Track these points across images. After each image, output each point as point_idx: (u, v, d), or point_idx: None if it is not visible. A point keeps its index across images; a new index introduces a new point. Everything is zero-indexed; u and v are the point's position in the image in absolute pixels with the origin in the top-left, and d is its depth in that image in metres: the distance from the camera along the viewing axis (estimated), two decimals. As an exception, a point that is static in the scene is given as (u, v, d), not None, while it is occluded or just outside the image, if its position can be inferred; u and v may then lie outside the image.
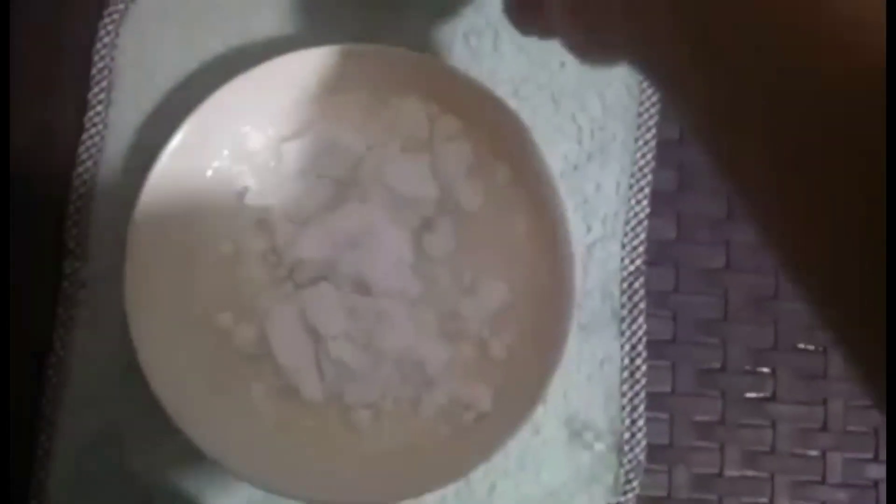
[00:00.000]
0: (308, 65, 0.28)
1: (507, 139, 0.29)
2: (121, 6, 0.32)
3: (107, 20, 0.32)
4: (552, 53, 0.31)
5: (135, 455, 0.29)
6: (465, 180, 0.29)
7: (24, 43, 0.31)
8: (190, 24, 0.32)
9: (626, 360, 0.30)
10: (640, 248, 0.31)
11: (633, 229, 0.31)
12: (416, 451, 0.28)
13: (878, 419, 0.30)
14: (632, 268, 0.30)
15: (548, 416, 0.30)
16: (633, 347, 0.30)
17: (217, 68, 0.31)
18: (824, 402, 0.30)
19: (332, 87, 0.29)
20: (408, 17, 0.32)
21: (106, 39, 0.32)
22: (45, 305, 0.30)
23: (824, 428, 0.30)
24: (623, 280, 0.30)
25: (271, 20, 0.32)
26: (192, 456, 0.28)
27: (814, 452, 0.30)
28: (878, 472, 0.30)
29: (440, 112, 0.29)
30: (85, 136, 0.31)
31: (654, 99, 0.31)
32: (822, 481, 0.30)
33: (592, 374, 0.30)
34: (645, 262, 0.30)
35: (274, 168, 0.30)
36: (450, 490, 0.29)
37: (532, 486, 0.30)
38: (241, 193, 0.30)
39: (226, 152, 0.30)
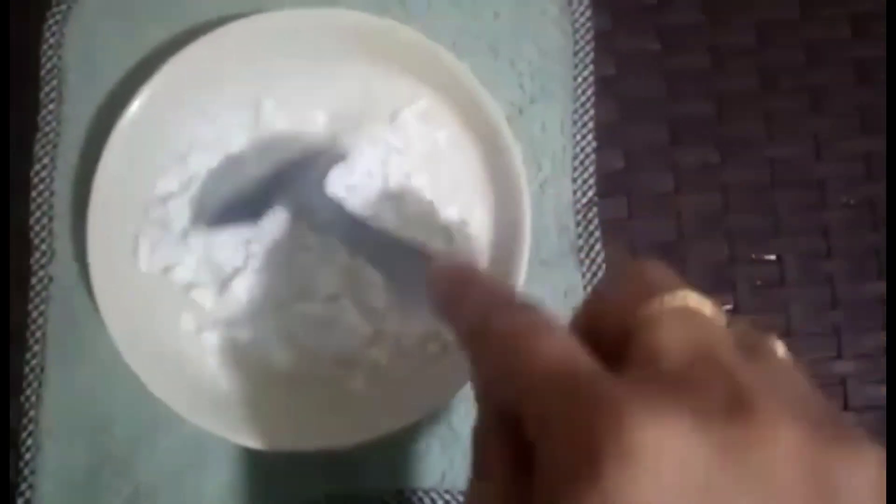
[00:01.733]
0: (250, 32, 0.29)
1: (453, 89, 0.30)
2: (63, 6, 0.33)
3: (51, 21, 0.33)
4: (485, 5, 0.33)
5: (123, 442, 0.30)
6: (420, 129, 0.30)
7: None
8: (132, 16, 0.33)
9: (589, 289, 0.31)
10: (591, 181, 0.32)
11: (581, 163, 0.32)
12: (391, 385, 0.28)
13: (836, 319, 0.31)
14: (584, 200, 0.31)
15: (520, 352, 0.30)
16: (594, 275, 0.31)
17: (161, 57, 0.32)
18: (784, 307, 0.31)
19: (277, 54, 0.30)
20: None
21: (52, 40, 0.32)
22: (16, 302, 0.31)
23: (787, 333, 0.31)
24: (577, 213, 0.31)
25: (211, 5, 0.32)
26: (176, 428, 0.29)
27: (780, 357, 0.31)
28: (843, 368, 0.31)
29: (386, 70, 0.30)
30: (39, 134, 0.32)
31: (589, 37, 0.32)
32: (792, 384, 0.31)
33: (557, 307, 0.31)
34: (596, 194, 0.31)
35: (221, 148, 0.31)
36: (435, 437, 0.30)
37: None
38: (196, 172, 0.30)
39: (175, 130, 0.30)
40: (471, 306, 0.17)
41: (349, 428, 0.27)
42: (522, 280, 0.28)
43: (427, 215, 0.29)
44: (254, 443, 0.27)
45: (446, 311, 0.18)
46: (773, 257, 0.32)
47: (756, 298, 0.31)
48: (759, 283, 0.32)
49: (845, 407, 0.31)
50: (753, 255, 0.32)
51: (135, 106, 0.29)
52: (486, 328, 0.16)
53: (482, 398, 0.16)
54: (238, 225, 0.28)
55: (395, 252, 0.26)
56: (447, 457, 0.30)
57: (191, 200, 0.30)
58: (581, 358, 0.14)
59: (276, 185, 0.27)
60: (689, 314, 0.14)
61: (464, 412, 0.30)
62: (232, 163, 0.30)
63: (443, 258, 0.21)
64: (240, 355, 0.29)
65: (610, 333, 0.15)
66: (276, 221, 0.29)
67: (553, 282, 0.31)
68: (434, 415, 0.29)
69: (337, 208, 0.27)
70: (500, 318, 0.15)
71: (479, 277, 0.18)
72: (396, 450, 0.29)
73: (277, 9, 0.30)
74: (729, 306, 0.31)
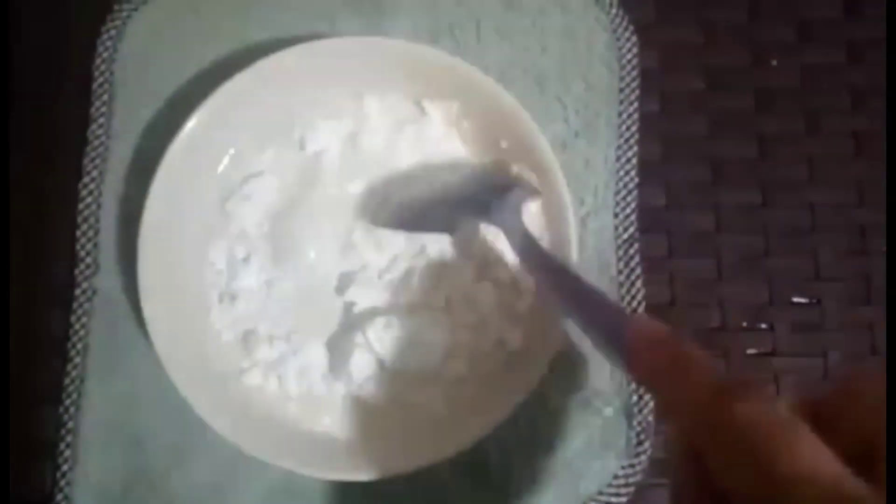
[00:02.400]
0: (302, 60, 0.30)
1: (503, 122, 0.30)
2: (118, 22, 0.33)
3: (104, 36, 0.33)
4: (533, 39, 0.33)
5: (160, 457, 0.30)
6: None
7: (26, 60, 0.33)
8: (185, 34, 0.33)
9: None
10: (633, 217, 0.32)
11: (623, 199, 0.32)
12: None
13: (876, 366, 0.31)
14: (625, 235, 0.32)
15: (556, 386, 0.30)
16: (634, 311, 0.31)
17: (213, 75, 0.32)
18: (823, 353, 0.31)
19: (327, 80, 0.30)
20: (395, 16, 0.33)
21: (105, 54, 0.33)
22: (60, 314, 0.31)
23: (825, 378, 0.31)
24: (618, 248, 0.31)
25: (262, 26, 0.33)
26: (213, 445, 0.29)
27: (817, 402, 0.31)
28: (881, 416, 0.31)
29: (439, 100, 0.30)
30: (89, 147, 0.32)
31: (635, 74, 0.33)
32: (828, 430, 0.31)
33: (596, 341, 0.31)
34: (638, 230, 0.32)
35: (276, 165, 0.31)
36: (464, 468, 0.30)
37: (547, 457, 0.30)
38: (247, 191, 0.31)
39: (232, 151, 0.31)
40: (698, 386, 0.16)
41: (390, 459, 0.27)
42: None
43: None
44: (291, 465, 0.27)
45: (661, 384, 0.17)
46: (813, 301, 0.32)
47: (795, 342, 0.31)
48: (798, 326, 0.31)
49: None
50: (793, 298, 0.32)
51: (191, 123, 0.29)
52: (725, 417, 0.15)
53: (688, 466, 0.16)
54: (433, 231, 0.29)
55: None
56: (476, 492, 0.30)
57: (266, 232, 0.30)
58: (843, 474, 0.14)
59: (473, 203, 0.28)
60: None
61: (493, 444, 0.30)
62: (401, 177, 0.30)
63: (643, 320, 0.20)
64: (287, 376, 0.29)
65: (846, 445, 0.14)
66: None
67: (592, 316, 0.31)
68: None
69: (529, 238, 0.27)
70: (741, 408, 0.15)
71: (695, 352, 0.18)
72: (422, 483, 0.29)
73: (331, 35, 0.31)
74: (767, 348, 0.31)
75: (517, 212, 0.27)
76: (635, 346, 0.18)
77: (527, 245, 0.26)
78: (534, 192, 0.28)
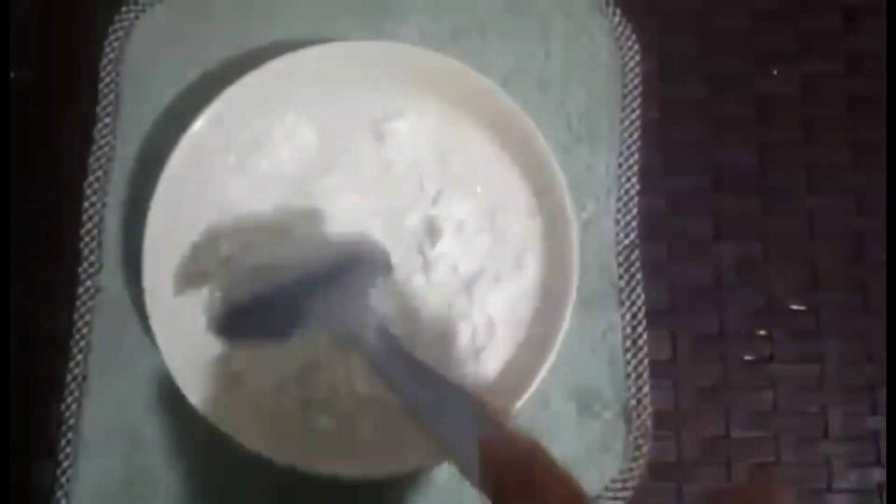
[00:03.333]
0: (307, 63, 0.30)
1: (506, 126, 0.30)
2: (125, 23, 0.34)
3: (112, 37, 0.33)
4: (537, 45, 0.33)
5: (160, 456, 0.30)
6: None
7: (31, 60, 0.33)
8: (192, 36, 0.33)
9: (628, 330, 0.31)
10: (633, 223, 0.32)
11: (625, 205, 0.32)
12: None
13: (872, 374, 0.31)
14: (626, 241, 0.32)
15: (556, 390, 0.31)
16: (634, 317, 0.31)
17: (219, 77, 0.32)
18: (820, 359, 0.32)
19: (332, 83, 0.31)
20: (401, 21, 0.33)
21: (112, 55, 0.33)
22: (62, 312, 0.31)
23: (822, 385, 0.31)
24: (619, 254, 0.32)
25: (268, 29, 0.33)
26: (214, 444, 0.29)
27: (814, 409, 0.31)
28: (877, 423, 0.31)
29: (445, 105, 0.31)
30: (95, 146, 0.33)
31: (637, 82, 0.33)
32: (825, 436, 0.31)
33: (596, 346, 0.31)
34: (638, 236, 0.32)
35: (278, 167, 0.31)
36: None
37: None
38: (253, 193, 0.31)
39: (237, 152, 0.31)
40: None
41: (386, 458, 0.27)
42: (568, 321, 0.28)
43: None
44: (292, 462, 0.27)
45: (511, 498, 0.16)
46: (810, 308, 0.32)
47: (792, 348, 0.32)
48: (795, 332, 0.32)
49: (877, 463, 0.31)
50: (791, 305, 0.32)
51: (197, 124, 0.29)
52: None
53: None
54: (261, 343, 0.26)
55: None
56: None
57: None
58: None
59: (310, 294, 0.24)
60: None
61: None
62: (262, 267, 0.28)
63: (496, 432, 0.18)
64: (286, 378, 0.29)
65: None
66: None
67: (592, 320, 0.31)
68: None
69: (381, 329, 0.24)
70: None
71: (550, 464, 0.17)
72: (425, 484, 0.30)
73: (335, 40, 0.31)
74: (765, 354, 0.32)
75: (364, 296, 0.24)
76: (485, 454, 0.17)
77: (382, 346, 0.23)
78: (384, 267, 0.26)
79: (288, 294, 0.25)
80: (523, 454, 0.17)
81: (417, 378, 0.22)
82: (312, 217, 0.30)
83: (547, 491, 0.16)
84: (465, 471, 0.19)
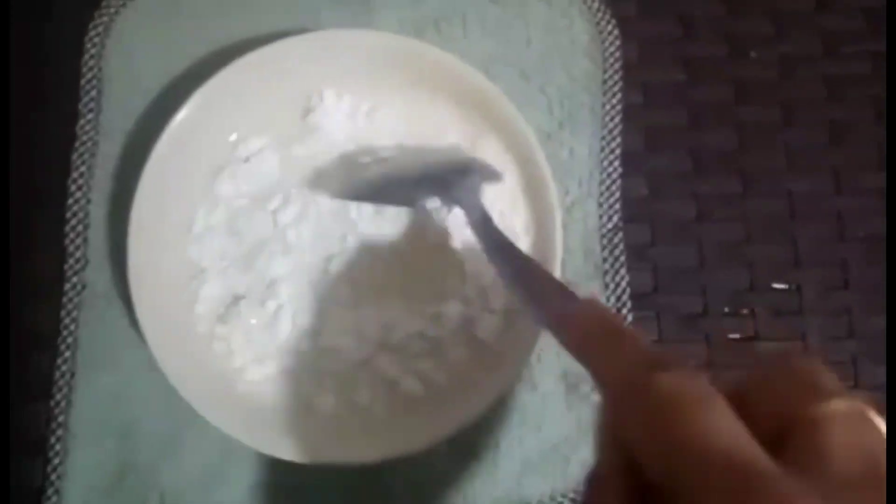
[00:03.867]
0: (287, 53, 0.30)
1: (488, 112, 0.30)
2: (105, 18, 0.33)
3: (92, 32, 0.33)
4: (518, 32, 0.34)
5: (150, 450, 0.30)
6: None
7: (12, 56, 0.33)
8: (174, 29, 0.33)
9: (613, 312, 0.31)
10: (616, 206, 0.32)
11: (607, 188, 0.32)
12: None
13: (853, 349, 0.32)
14: (610, 224, 0.32)
15: (543, 372, 0.31)
16: (619, 299, 0.31)
17: (200, 71, 0.32)
18: (803, 336, 0.32)
19: (315, 73, 0.31)
20: (380, 9, 0.33)
21: (93, 51, 0.33)
22: (49, 308, 0.31)
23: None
24: (603, 237, 0.32)
25: (249, 21, 0.33)
26: (204, 438, 0.29)
27: (798, 385, 0.32)
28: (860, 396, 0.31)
29: (430, 92, 0.31)
30: (77, 143, 0.32)
31: (618, 66, 0.33)
32: (809, 411, 0.31)
33: (582, 328, 0.31)
34: (622, 219, 0.32)
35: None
36: (457, 453, 0.30)
37: (535, 442, 0.31)
38: (236, 185, 0.31)
39: (220, 145, 0.31)
40: (627, 357, 0.16)
41: (378, 444, 0.27)
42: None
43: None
44: (283, 454, 0.27)
45: (593, 355, 0.17)
46: (792, 287, 0.32)
47: (775, 326, 0.32)
48: (778, 311, 0.32)
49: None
50: (773, 284, 0.32)
51: (179, 118, 0.29)
52: (646, 386, 0.15)
53: (613, 450, 0.16)
54: (392, 204, 0.30)
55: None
56: (469, 476, 0.30)
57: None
58: (755, 450, 0.13)
59: (432, 181, 0.29)
60: (859, 421, 0.14)
61: (485, 429, 0.30)
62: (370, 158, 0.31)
63: (589, 300, 0.19)
64: (277, 365, 0.29)
65: (765, 424, 0.14)
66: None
67: (577, 304, 0.31)
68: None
69: (485, 216, 0.28)
70: (662, 378, 0.15)
71: (631, 330, 0.18)
72: (417, 469, 0.30)
73: (315, 29, 0.31)
74: (749, 333, 0.32)
75: (476, 192, 0.29)
76: (574, 317, 0.18)
77: (482, 222, 0.27)
78: (493, 176, 0.29)
79: (415, 178, 0.30)
80: (609, 312, 0.19)
81: (512, 252, 0.26)
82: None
83: (624, 344, 0.17)
84: (549, 321, 0.21)
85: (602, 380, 0.17)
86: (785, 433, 0.14)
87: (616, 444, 0.16)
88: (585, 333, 0.18)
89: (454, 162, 0.30)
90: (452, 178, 0.29)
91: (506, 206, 0.30)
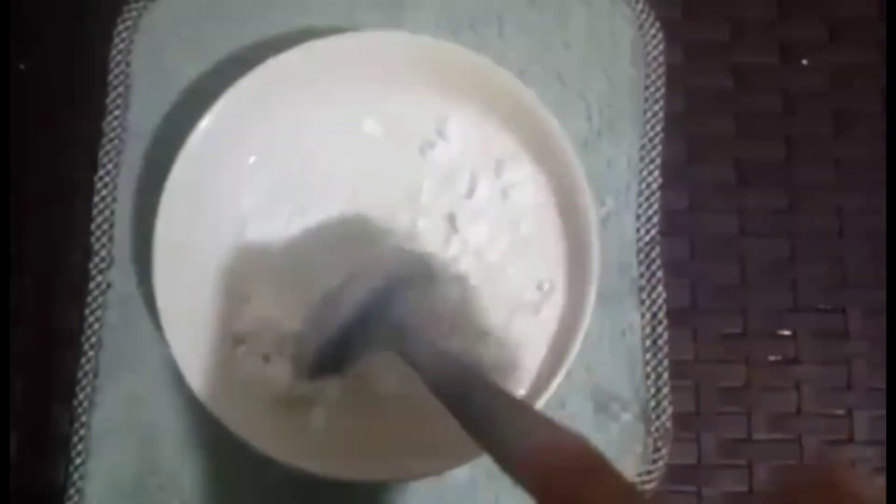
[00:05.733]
0: (319, 55, 0.29)
1: (524, 119, 0.29)
2: (134, 14, 0.33)
3: (121, 27, 0.33)
4: (556, 35, 0.32)
5: (172, 453, 0.30)
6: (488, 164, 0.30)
7: (41, 52, 0.33)
8: (202, 26, 0.33)
9: (648, 329, 0.30)
10: (654, 219, 0.31)
11: (646, 200, 0.31)
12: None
13: (901, 375, 0.30)
14: (647, 238, 0.31)
15: (573, 390, 0.30)
16: (654, 316, 0.30)
17: (230, 67, 0.32)
18: (847, 361, 0.31)
19: (349, 73, 0.30)
20: (415, 10, 0.32)
21: (121, 46, 0.33)
22: (74, 308, 0.31)
23: (848, 387, 0.30)
24: (639, 251, 0.31)
25: (280, 19, 0.32)
26: (225, 441, 0.29)
27: (840, 412, 0.30)
28: (906, 427, 0.30)
29: (460, 98, 0.30)
30: (104, 140, 0.32)
31: (660, 72, 0.32)
32: (850, 440, 0.30)
33: (614, 345, 0.30)
34: (659, 233, 0.31)
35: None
36: (480, 467, 0.30)
37: (562, 460, 0.30)
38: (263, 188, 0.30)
39: (249, 146, 0.30)
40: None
41: (408, 463, 0.27)
42: (588, 318, 0.27)
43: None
44: (307, 465, 0.27)
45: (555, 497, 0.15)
46: (837, 308, 0.31)
47: (818, 349, 0.31)
48: (821, 333, 0.31)
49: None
50: (818, 305, 0.31)
51: (208, 118, 0.29)
52: None
53: None
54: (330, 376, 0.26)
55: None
56: (492, 490, 0.30)
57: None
58: None
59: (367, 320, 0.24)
60: None
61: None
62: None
63: (544, 427, 0.17)
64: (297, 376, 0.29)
65: None
66: None
67: (612, 319, 0.30)
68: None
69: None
70: None
71: (608, 472, 0.15)
72: (441, 482, 0.29)
73: (348, 29, 0.30)
74: (789, 355, 0.31)
75: (406, 321, 0.24)
76: (537, 453, 0.16)
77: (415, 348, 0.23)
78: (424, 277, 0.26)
79: (351, 324, 0.25)
80: (572, 456, 0.16)
81: (463, 377, 0.22)
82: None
83: (596, 495, 0.14)
84: (507, 468, 0.18)
85: None
86: None
87: None
88: (546, 477, 0.15)
89: (378, 282, 0.25)
90: (380, 309, 0.24)
91: (534, 216, 0.29)
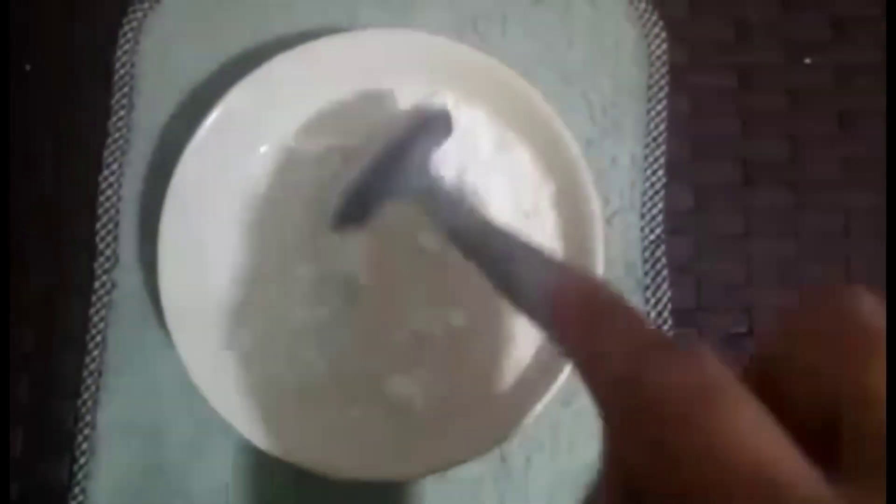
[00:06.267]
0: (323, 53, 0.29)
1: (527, 118, 0.29)
2: (139, 14, 0.33)
3: (126, 27, 0.33)
4: (560, 34, 0.32)
5: (177, 452, 0.30)
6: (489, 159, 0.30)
7: (46, 52, 0.33)
8: (207, 26, 0.33)
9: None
10: (659, 218, 0.31)
11: (650, 199, 0.31)
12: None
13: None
14: (652, 237, 0.31)
15: (578, 388, 0.30)
16: (659, 314, 0.30)
17: (235, 68, 0.32)
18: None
19: (350, 72, 0.30)
20: (418, 9, 0.32)
21: (126, 46, 0.33)
22: (78, 307, 0.31)
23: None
24: (644, 249, 0.31)
25: (285, 18, 0.33)
26: (231, 441, 0.29)
27: (847, 412, 0.30)
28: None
29: (461, 95, 0.30)
30: (109, 140, 0.32)
31: (664, 71, 0.32)
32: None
33: (620, 345, 0.30)
34: (664, 232, 0.31)
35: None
36: (486, 467, 0.29)
37: (567, 459, 0.30)
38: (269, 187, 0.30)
39: (253, 144, 0.30)
40: (616, 341, 0.12)
41: (414, 461, 0.27)
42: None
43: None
44: (314, 466, 0.27)
45: (576, 343, 0.13)
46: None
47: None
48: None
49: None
50: (824, 305, 0.31)
51: (212, 116, 0.29)
52: (642, 379, 0.11)
53: (613, 469, 0.12)
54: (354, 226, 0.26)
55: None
56: (498, 492, 0.29)
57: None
58: (791, 462, 0.09)
59: (384, 176, 0.24)
60: None
61: (516, 444, 0.29)
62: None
63: (570, 272, 0.16)
64: (307, 376, 0.29)
65: (801, 400, 0.10)
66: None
67: (616, 319, 0.30)
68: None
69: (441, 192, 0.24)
70: (661, 367, 0.11)
71: (622, 304, 0.14)
72: (446, 482, 0.29)
73: (354, 28, 0.30)
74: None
75: (424, 169, 0.24)
76: (558, 292, 0.15)
77: (438, 200, 0.23)
78: (444, 129, 0.25)
79: (372, 175, 0.25)
80: (590, 292, 0.15)
81: (481, 226, 0.22)
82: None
83: (616, 322, 0.13)
84: (525, 306, 0.18)
85: (588, 374, 0.13)
86: (836, 419, 0.10)
87: (620, 469, 0.12)
88: (567, 312, 0.14)
89: (398, 135, 0.25)
90: (400, 160, 0.24)
91: (538, 217, 0.29)
